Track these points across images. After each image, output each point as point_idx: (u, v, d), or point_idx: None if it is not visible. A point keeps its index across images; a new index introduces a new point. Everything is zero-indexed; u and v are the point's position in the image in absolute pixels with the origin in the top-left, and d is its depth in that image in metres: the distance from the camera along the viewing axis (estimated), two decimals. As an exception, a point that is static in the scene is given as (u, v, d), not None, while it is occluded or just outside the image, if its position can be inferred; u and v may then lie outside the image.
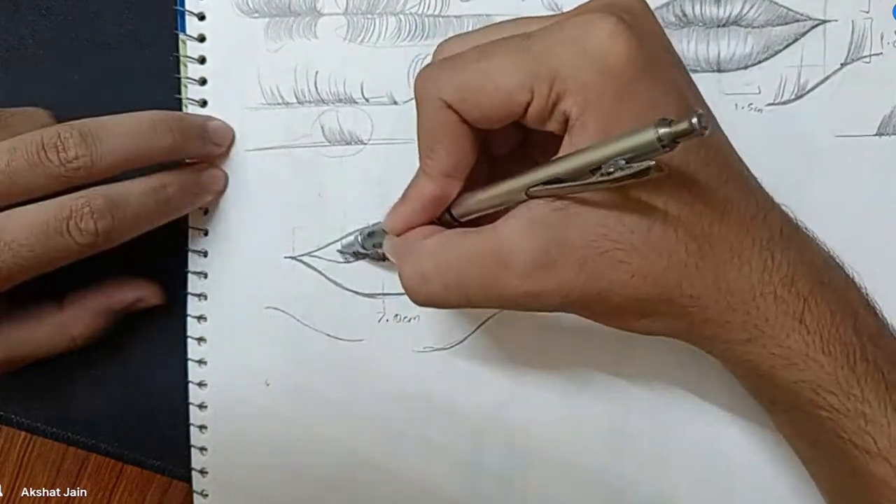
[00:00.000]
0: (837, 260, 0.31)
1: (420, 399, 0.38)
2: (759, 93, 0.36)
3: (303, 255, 0.37)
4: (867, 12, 0.36)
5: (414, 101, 0.30)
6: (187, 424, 0.38)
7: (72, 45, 0.38)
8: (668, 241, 0.27)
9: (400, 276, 0.30)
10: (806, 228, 0.30)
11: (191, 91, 0.37)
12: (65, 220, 0.31)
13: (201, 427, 0.38)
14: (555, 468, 0.38)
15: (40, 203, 0.31)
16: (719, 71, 0.36)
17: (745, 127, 0.34)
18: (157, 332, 0.38)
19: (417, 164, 0.31)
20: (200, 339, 0.38)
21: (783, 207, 0.30)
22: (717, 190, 0.28)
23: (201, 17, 0.37)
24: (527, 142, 0.32)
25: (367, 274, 0.37)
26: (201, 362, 0.38)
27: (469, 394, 0.38)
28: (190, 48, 0.37)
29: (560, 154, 0.27)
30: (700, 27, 0.36)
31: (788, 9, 0.36)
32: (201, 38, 0.37)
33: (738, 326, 0.28)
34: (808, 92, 0.36)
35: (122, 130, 0.32)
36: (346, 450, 0.38)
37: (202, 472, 0.38)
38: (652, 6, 0.29)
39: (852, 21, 0.36)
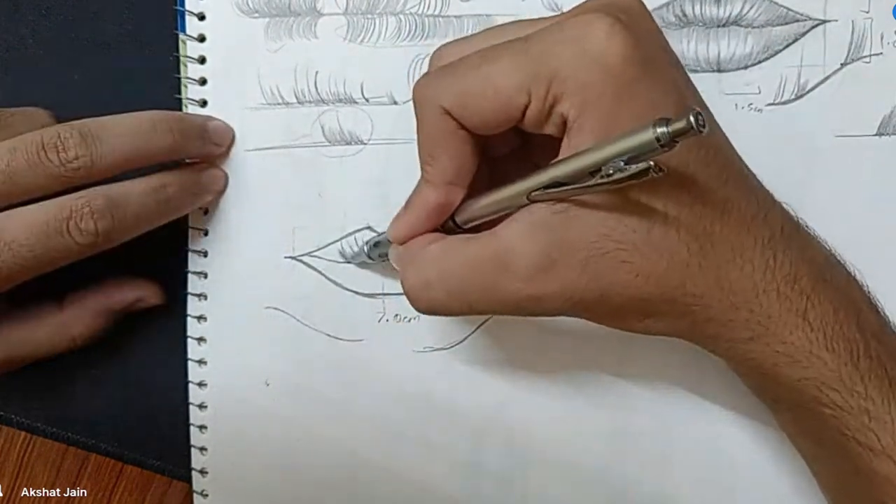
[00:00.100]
0: (839, 258, 0.31)
1: (420, 399, 0.38)
2: (759, 93, 0.36)
3: (303, 255, 0.37)
4: (867, 12, 0.36)
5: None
6: (187, 424, 0.38)
7: (72, 45, 0.38)
8: (669, 241, 0.27)
9: (402, 283, 0.30)
10: (807, 227, 0.30)
11: (191, 91, 0.37)
12: (65, 220, 0.31)
13: (201, 427, 0.38)
14: (555, 468, 0.38)
15: (40, 203, 0.31)
16: (719, 71, 0.36)
17: (745, 127, 0.34)
18: (157, 332, 0.38)
19: (417, 164, 0.30)
20: (200, 339, 0.38)
21: (784, 206, 0.30)
22: (717, 189, 0.28)
23: (201, 17, 0.37)
24: (527, 144, 0.32)
25: (367, 274, 0.37)
26: (201, 362, 0.38)
27: (469, 394, 0.38)
28: (190, 48, 0.37)
29: (559, 156, 0.27)
30: (700, 27, 0.36)
31: (788, 9, 0.36)
32: (201, 38, 0.37)
33: (740, 325, 0.28)
34: (808, 92, 0.36)
35: (122, 130, 0.32)
36: (346, 450, 0.38)
37: (202, 472, 0.38)
38: (652, 6, 0.29)
39: (852, 21, 0.36)
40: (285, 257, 0.38)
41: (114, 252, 0.33)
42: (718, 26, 0.36)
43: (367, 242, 0.36)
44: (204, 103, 0.37)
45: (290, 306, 0.38)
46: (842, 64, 0.36)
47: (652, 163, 0.24)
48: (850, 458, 0.28)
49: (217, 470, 0.38)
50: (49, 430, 0.39)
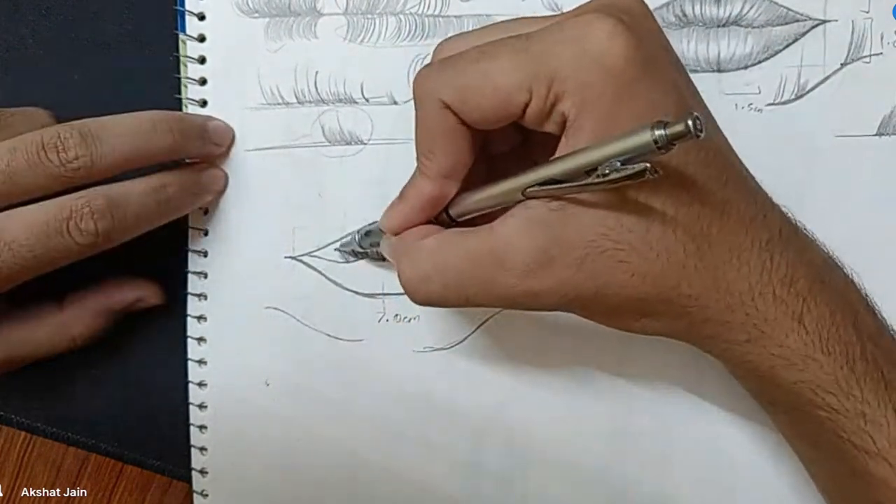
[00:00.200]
0: (837, 260, 0.31)
1: (420, 399, 0.38)
2: (759, 93, 0.36)
3: (303, 255, 0.37)
4: (867, 12, 0.36)
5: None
6: (187, 424, 0.38)
7: (72, 45, 0.38)
8: (666, 241, 0.27)
9: (399, 275, 0.30)
10: (805, 229, 0.30)
11: (191, 91, 0.37)
12: (65, 220, 0.31)
13: (201, 427, 0.38)
14: (555, 468, 0.38)
15: (40, 203, 0.31)
16: (719, 71, 0.36)
17: (745, 127, 0.34)
18: (157, 332, 0.38)
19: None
20: (200, 339, 0.38)
21: (782, 208, 0.30)
22: (716, 191, 0.28)
23: (201, 17, 0.37)
24: (527, 141, 0.32)
25: (367, 274, 0.37)
26: (201, 362, 0.38)
27: (469, 394, 0.38)
28: (190, 48, 0.37)
29: (557, 155, 0.27)
30: (700, 27, 0.36)
31: (788, 9, 0.36)
32: (201, 38, 0.37)
33: (737, 327, 0.28)
34: (808, 92, 0.36)
35: (123, 130, 0.32)
36: (346, 450, 0.38)
37: (202, 472, 0.39)
38: (652, 6, 0.29)
39: (852, 21, 0.36)
40: (285, 257, 0.38)
41: (114, 252, 0.33)
42: (718, 26, 0.36)
43: (358, 231, 0.36)
44: (204, 103, 0.37)
45: (290, 306, 0.38)
46: (842, 64, 0.36)
47: (648, 164, 0.24)
48: (847, 461, 0.28)
49: (217, 470, 0.38)
50: (49, 430, 0.39)
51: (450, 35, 0.35)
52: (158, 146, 0.33)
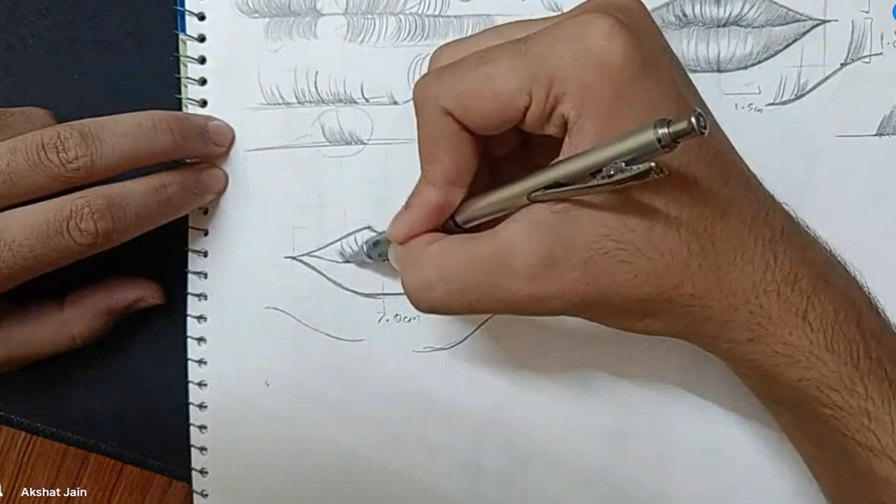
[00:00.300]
0: (839, 258, 0.31)
1: (420, 399, 0.38)
2: (759, 93, 0.36)
3: (303, 255, 0.37)
4: (867, 12, 0.36)
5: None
6: (187, 424, 0.38)
7: (72, 45, 0.38)
8: (669, 241, 0.27)
9: (403, 283, 0.30)
10: (807, 227, 0.30)
11: (191, 91, 0.37)
12: (65, 220, 0.31)
13: (201, 427, 0.38)
14: (555, 468, 0.38)
15: (40, 203, 0.31)
16: (719, 71, 0.36)
17: (745, 127, 0.34)
18: (157, 332, 0.38)
19: (417, 164, 0.30)
20: (200, 339, 0.38)
21: (784, 206, 0.30)
22: (718, 190, 0.28)
23: (201, 17, 0.37)
24: (528, 143, 0.32)
25: (367, 274, 0.37)
26: (201, 362, 0.38)
27: (469, 394, 0.38)
28: (190, 48, 0.37)
29: (560, 157, 0.27)
30: (700, 27, 0.36)
31: (788, 9, 0.36)
32: (201, 38, 0.37)
33: (740, 325, 0.28)
34: (808, 92, 0.36)
35: (123, 130, 0.32)
36: (345, 450, 0.38)
37: (202, 472, 0.39)
38: (652, 6, 0.30)
39: (852, 21, 0.36)
40: (285, 257, 0.38)
41: (114, 252, 0.33)
42: (718, 26, 0.36)
43: (366, 242, 0.36)
44: (204, 103, 0.37)
45: (290, 306, 0.38)
46: (842, 64, 0.36)
47: (654, 164, 0.24)
48: (850, 459, 0.28)
49: (217, 470, 0.38)
50: (49, 430, 0.39)
51: (450, 35, 0.35)
52: (158, 146, 0.33)
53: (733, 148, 0.30)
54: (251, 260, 0.38)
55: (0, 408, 0.39)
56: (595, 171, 0.26)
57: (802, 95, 0.36)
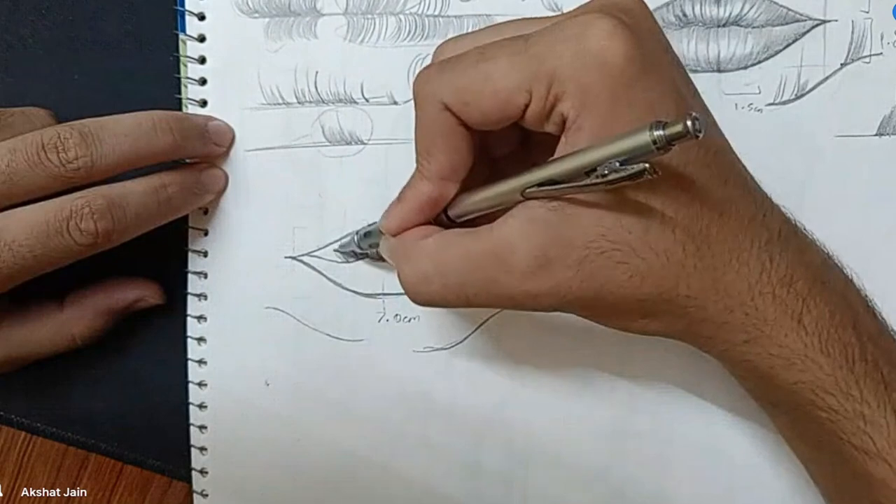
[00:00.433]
0: (836, 261, 0.31)
1: (420, 399, 0.38)
2: (759, 93, 0.36)
3: (303, 255, 0.37)
4: (867, 12, 0.36)
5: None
6: (187, 424, 0.38)
7: (72, 45, 0.38)
8: (665, 241, 0.27)
9: (399, 276, 0.30)
10: (805, 229, 0.30)
11: (191, 91, 0.37)
12: (65, 220, 0.31)
13: (201, 427, 0.38)
14: (555, 468, 0.38)
15: (40, 203, 0.31)
16: (719, 71, 0.36)
17: (745, 127, 0.34)
18: (157, 332, 0.38)
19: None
20: (200, 339, 0.38)
21: (782, 208, 0.30)
22: (715, 191, 0.28)
23: (201, 17, 0.37)
24: (527, 142, 0.32)
25: (367, 274, 0.37)
26: (201, 362, 0.38)
27: (469, 394, 0.38)
28: (190, 48, 0.37)
29: (556, 155, 0.27)
30: (700, 27, 0.36)
31: (788, 9, 0.36)
32: (201, 38, 0.37)
33: (736, 327, 0.28)
34: (808, 92, 0.36)
35: (123, 130, 0.32)
36: (345, 449, 0.38)
37: (202, 472, 0.39)
38: (652, 6, 0.29)
39: (852, 21, 0.36)
40: (285, 257, 0.38)
41: (114, 252, 0.33)
42: (718, 26, 0.36)
43: (357, 233, 0.36)
44: (204, 103, 0.37)
45: (290, 306, 0.38)
46: (842, 64, 0.36)
47: (647, 164, 0.24)
48: (847, 462, 0.28)
49: (217, 470, 0.38)
50: (49, 430, 0.39)
51: (449, 36, 0.35)
52: (158, 146, 0.33)
53: (731, 149, 0.30)
54: (251, 260, 0.38)
55: (0, 408, 0.39)
56: (589, 170, 0.26)
57: (802, 95, 0.36)
